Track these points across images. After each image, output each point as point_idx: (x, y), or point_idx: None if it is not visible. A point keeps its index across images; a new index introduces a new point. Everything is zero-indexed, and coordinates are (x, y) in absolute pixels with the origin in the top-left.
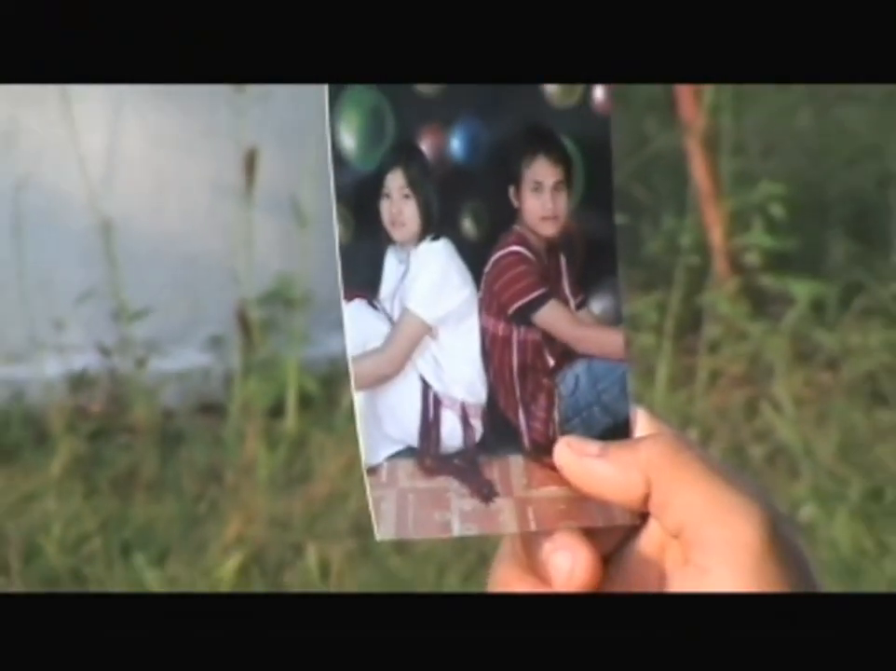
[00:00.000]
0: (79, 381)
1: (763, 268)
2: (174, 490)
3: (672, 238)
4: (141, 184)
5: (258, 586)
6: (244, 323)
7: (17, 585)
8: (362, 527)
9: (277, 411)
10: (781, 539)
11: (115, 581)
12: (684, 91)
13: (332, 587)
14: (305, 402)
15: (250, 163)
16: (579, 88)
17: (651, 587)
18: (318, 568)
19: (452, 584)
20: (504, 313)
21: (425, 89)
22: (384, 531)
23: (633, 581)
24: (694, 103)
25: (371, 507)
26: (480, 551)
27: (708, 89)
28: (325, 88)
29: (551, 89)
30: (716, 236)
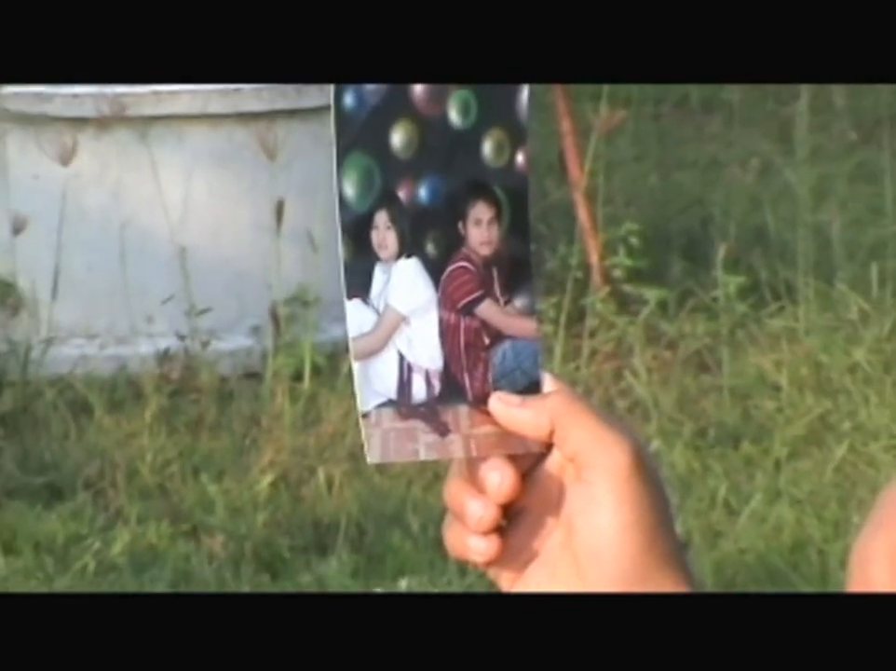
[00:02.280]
0: (163, 357)
1: (625, 280)
2: (228, 431)
3: (565, 259)
4: (206, 224)
5: (284, 497)
6: (275, 318)
7: (122, 497)
8: (356, 456)
9: (297, 377)
10: (644, 462)
11: (188, 493)
12: (572, 160)
13: (334, 497)
14: (316, 371)
15: (279, 210)
16: (507, 153)
17: (554, 495)
18: (325, 484)
19: (416, 493)
20: (455, 308)
21: (402, 154)
22: (372, 457)
23: (542, 492)
24: (579, 168)
25: (364, 440)
26: (434, 471)
27: (588, 158)
28: (334, 156)
29: (488, 155)
30: (594, 258)
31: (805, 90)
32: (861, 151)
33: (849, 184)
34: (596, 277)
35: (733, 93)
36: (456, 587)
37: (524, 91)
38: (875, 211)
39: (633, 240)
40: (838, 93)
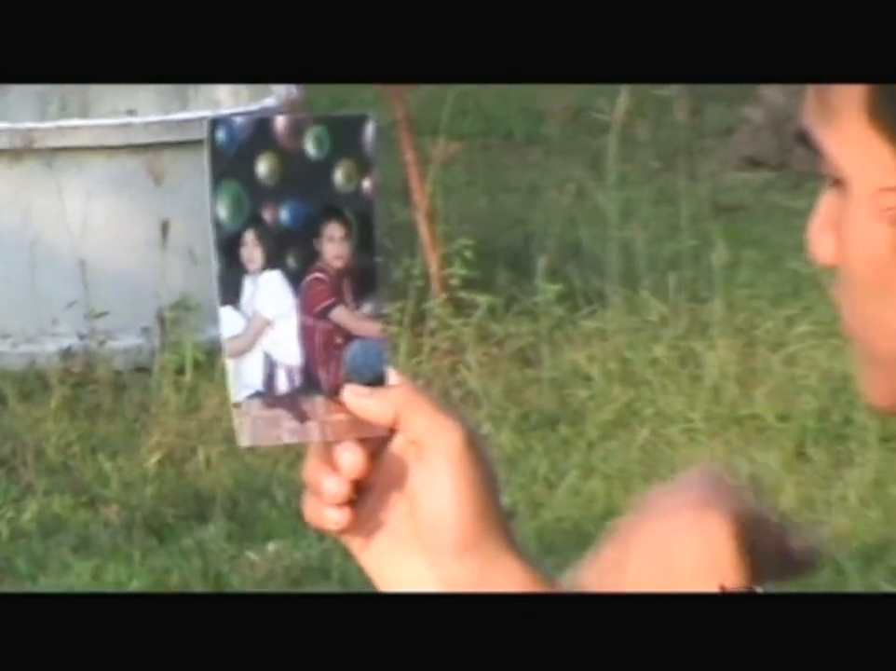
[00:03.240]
0: (66, 354)
1: (460, 288)
2: (121, 417)
3: (408, 270)
4: (103, 240)
5: (169, 473)
6: (162, 321)
7: (31, 473)
8: (230, 438)
9: (180, 371)
10: (475, 444)
11: (87, 470)
12: (414, 186)
13: (212, 473)
14: (196, 366)
15: (165, 228)
16: (355, 181)
17: (398, 473)
18: (204, 461)
19: (281, 469)
20: (312, 313)
21: (266, 182)
22: (243, 441)
23: (387, 470)
24: (420, 193)
25: (235, 426)
26: (297, 450)
27: (428, 184)
28: (208, 184)
29: (339, 182)
30: (433, 269)
31: (613, 126)
32: (660, 177)
33: (651, 205)
34: (435, 285)
35: (552, 127)
36: (316, 550)
37: (370, 127)
38: (673, 228)
39: (467, 254)
40: (641, 128)
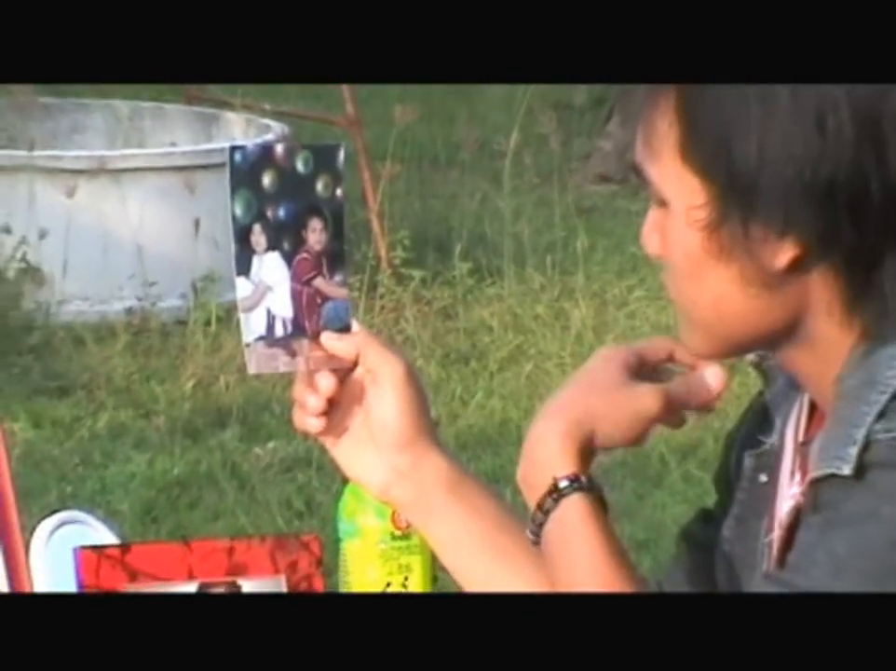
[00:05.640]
0: (129, 311)
1: (401, 265)
2: (167, 355)
3: (365, 253)
4: (153, 232)
5: (200, 394)
6: (195, 288)
7: (103, 394)
8: (242, 369)
9: (208, 323)
10: (412, 373)
11: (143, 392)
12: (369, 194)
13: (230, 393)
14: (219, 320)
15: (196, 225)
16: (331, 189)
17: (358, 392)
18: (224, 385)
19: (278, 391)
20: (300, 281)
21: (269, 190)
22: (251, 369)
23: (351, 391)
24: (374, 199)
25: (246, 359)
26: (289, 378)
27: (379, 193)
28: (228, 191)
29: (319, 190)
30: (382, 252)
31: (508, 153)
32: (540, 189)
33: (534, 208)
34: (383, 263)
35: (465, 154)
36: (302, 447)
37: (341, 153)
38: (549, 224)
39: (406, 241)
40: (527, 155)
